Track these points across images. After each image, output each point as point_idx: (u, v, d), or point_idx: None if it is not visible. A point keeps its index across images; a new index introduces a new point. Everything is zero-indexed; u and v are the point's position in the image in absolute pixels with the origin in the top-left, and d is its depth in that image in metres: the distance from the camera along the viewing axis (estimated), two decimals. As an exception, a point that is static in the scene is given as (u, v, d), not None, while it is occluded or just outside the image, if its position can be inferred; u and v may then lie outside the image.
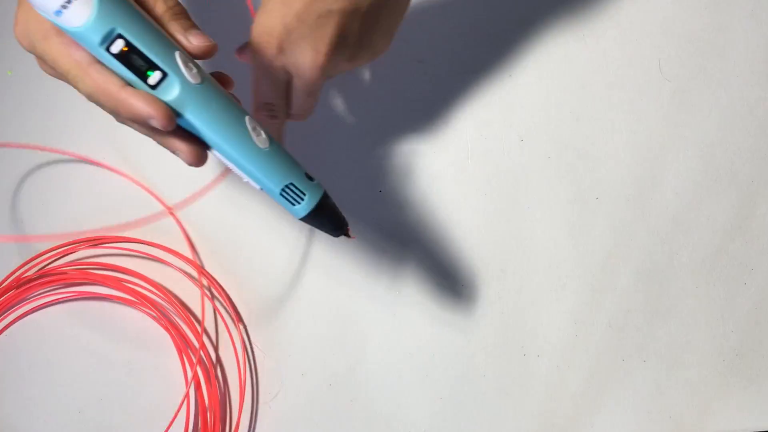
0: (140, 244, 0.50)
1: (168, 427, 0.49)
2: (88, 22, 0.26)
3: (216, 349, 0.50)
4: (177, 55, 0.29)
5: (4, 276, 0.51)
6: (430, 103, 0.48)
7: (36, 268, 0.50)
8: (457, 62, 0.48)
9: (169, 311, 0.49)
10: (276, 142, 0.34)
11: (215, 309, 0.49)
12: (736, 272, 0.47)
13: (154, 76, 0.28)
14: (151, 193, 0.51)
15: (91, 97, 0.31)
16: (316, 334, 0.48)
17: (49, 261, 0.50)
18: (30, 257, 0.50)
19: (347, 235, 0.38)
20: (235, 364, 0.49)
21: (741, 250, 0.47)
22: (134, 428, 0.49)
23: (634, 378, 0.47)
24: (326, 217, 0.36)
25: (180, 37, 0.30)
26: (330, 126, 0.49)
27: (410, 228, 0.48)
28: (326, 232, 0.38)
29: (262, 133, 0.33)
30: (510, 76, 0.48)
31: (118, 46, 0.27)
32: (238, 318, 0.49)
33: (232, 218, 0.50)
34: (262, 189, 0.34)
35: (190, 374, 0.48)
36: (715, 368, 0.47)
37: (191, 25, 0.31)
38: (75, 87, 0.31)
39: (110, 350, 0.50)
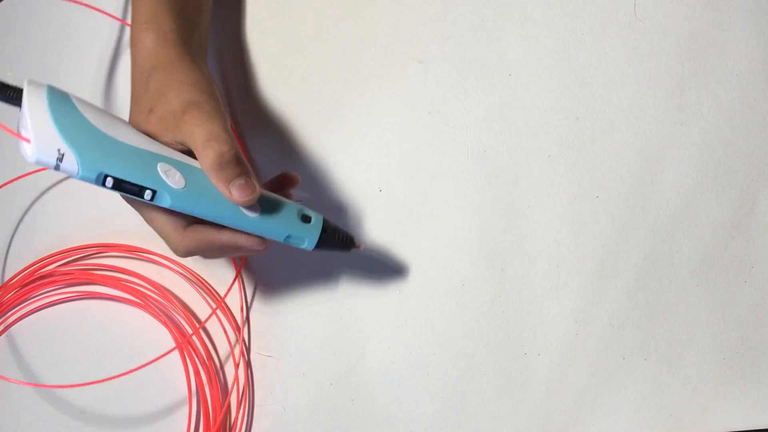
0: (142, 252, 0.50)
1: (169, 426, 0.49)
2: (79, 174, 0.31)
3: (216, 348, 0.50)
4: (159, 168, 0.34)
5: (9, 276, 0.51)
6: (430, 103, 0.48)
7: (41, 270, 0.50)
8: (458, 62, 0.48)
9: (170, 311, 0.50)
10: (267, 202, 0.38)
11: (215, 309, 0.49)
12: (736, 270, 0.47)
13: (147, 195, 0.34)
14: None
15: (193, 253, 0.38)
16: (317, 334, 0.48)
17: (55, 263, 0.51)
18: (34, 260, 0.50)
19: (356, 247, 0.43)
20: (235, 364, 0.49)
21: (741, 248, 0.47)
22: (135, 427, 0.49)
23: (634, 376, 0.47)
24: (331, 244, 0.41)
25: (224, 189, 0.36)
26: (328, 126, 0.49)
27: (410, 228, 0.48)
28: (337, 252, 0.42)
29: None
30: (510, 76, 0.48)
31: (110, 182, 0.33)
32: (239, 318, 0.49)
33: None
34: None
35: (192, 374, 0.48)
36: (715, 366, 0.47)
37: (236, 175, 0.36)
38: (171, 247, 0.38)
39: (112, 350, 0.50)
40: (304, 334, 0.49)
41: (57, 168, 0.31)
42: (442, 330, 0.48)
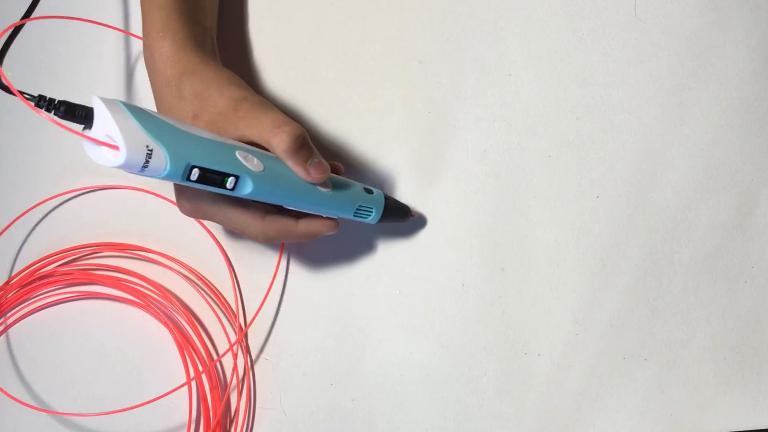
0: (142, 251, 0.50)
1: (169, 426, 0.49)
2: (167, 169, 0.31)
3: (216, 348, 0.50)
4: (237, 154, 0.35)
5: (9, 276, 0.51)
6: (430, 103, 0.48)
7: (41, 271, 0.50)
8: (458, 62, 0.48)
9: (170, 311, 0.50)
10: (332, 180, 0.40)
11: (215, 309, 0.49)
12: (736, 270, 0.47)
13: (230, 182, 0.34)
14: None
15: (273, 240, 0.39)
16: (317, 334, 0.48)
17: (55, 263, 0.51)
18: (34, 260, 0.51)
19: (411, 216, 0.47)
20: (235, 364, 0.49)
21: (741, 249, 0.47)
22: (135, 427, 0.49)
23: (634, 376, 0.47)
24: (392, 215, 0.45)
25: (301, 170, 0.37)
26: (328, 126, 0.49)
27: (410, 228, 0.48)
28: (395, 222, 0.46)
29: None
30: (510, 76, 0.48)
31: (195, 174, 0.33)
32: (239, 318, 0.49)
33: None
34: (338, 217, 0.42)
35: (191, 373, 0.48)
36: (715, 366, 0.47)
37: (310, 155, 0.37)
38: (251, 236, 0.39)
39: (112, 350, 0.50)
40: (304, 334, 0.49)
41: (145, 166, 0.30)
42: (442, 330, 0.48)
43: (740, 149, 0.47)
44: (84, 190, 0.51)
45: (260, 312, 0.49)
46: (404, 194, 0.48)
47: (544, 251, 0.47)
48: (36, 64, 0.53)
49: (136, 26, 0.50)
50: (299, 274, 0.49)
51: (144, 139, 0.30)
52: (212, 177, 0.33)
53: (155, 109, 0.40)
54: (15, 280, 0.50)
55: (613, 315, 0.47)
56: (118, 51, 0.51)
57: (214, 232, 0.50)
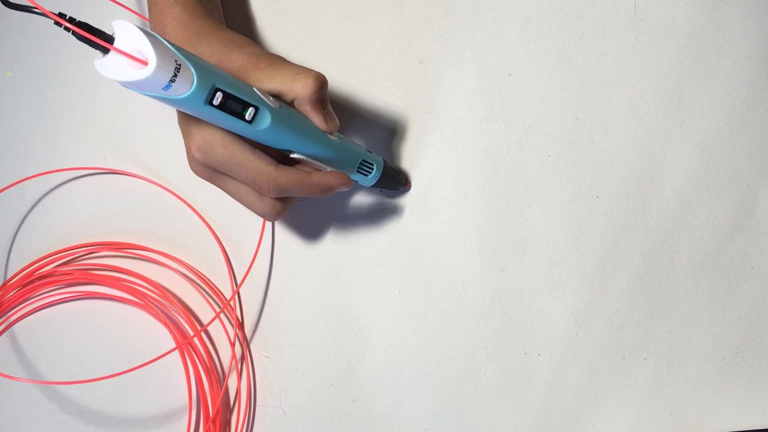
0: (141, 250, 0.50)
1: (170, 426, 0.49)
2: (193, 87, 0.30)
3: (216, 348, 0.50)
4: (255, 89, 0.35)
5: (9, 276, 0.51)
6: (430, 103, 0.48)
7: (41, 270, 0.50)
8: (458, 62, 0.48)
9: (170, 311, 0.50)
10: (338, 135, 0.40)
11: (215, 309, 0.49)
12: (736, 270, 0.47)
13: (249, 113, 0.33)
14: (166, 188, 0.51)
15: (285, 191, 0.37)
16: (316, 334, 0.48)
17: (54, 263, 0.51)
18: (34, 260, 0.51)
19: (405, 186, 0.48)
20: (236, 364, 0.49)
21: (741, 249, 0.47)
22: (135, 427, 0.49)
23: (634, 376, 0.47)
24: (388, 179, 0.45)
25: (319, 117, 0.37)
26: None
27: (410, 228, 0.48)
28: (390, 189, 0.47)
29: None
30: (510, 76, 0.48)
31: (218, 98, 0.32)
32: (239, 318, 0.49)
33: (232, 219, 0.50)
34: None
35: (191, 374, 0.48)
36: (715, 366, 0.47)
37: (327, 104, 0.38)
38: (262, 187, 0.37)
39: (112, 350, 0.50)
40: (304, 334, 0.49)
41: (172, 81, 0.29)
42: (442, 330, 0.48)
43: (740, 149, 0.47)
44: (83, 170, 0.51)
45: (261, 311, 0.49)
46: (404, 194, 0.48)
47: (544, 251, 0.47)
48: (38, 57, 0.53)
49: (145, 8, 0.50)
50: (299, 274, 0.49)
51: (173, 55, 0.30)
52: (233, 105, 0.33)
53: None
54: (14, 279, 0.50)
55: (613, 315, 0.47)
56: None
57: (215, 233, 0.50)
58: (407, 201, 0.48)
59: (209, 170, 0.37)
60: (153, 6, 0.41)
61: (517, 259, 0.47)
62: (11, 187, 0.51)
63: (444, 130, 0.48)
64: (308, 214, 0.49)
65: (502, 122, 0.48)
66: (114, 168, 0.51)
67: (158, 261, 0.50)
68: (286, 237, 0.49)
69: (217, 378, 0.49)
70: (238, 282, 0.49)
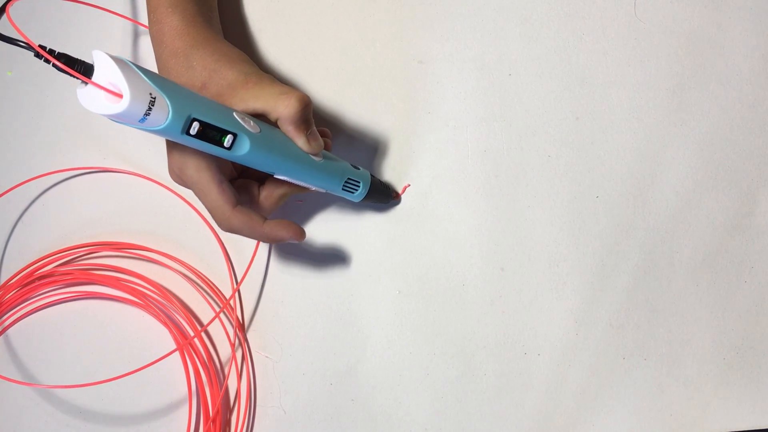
0: (141, 250, 0.50)
1: (170, 426, 0.49)
2: (168, 119, 0.31)
3: (216, 348, 0.50)
4: (235, 115, 0.35)
5: (9, 276, 0.51)
6: (430, 103, 0.48)
7: (41, 270, 0.50)
8: (458, 62, 0.48)
9: (170, 311, 0.50)
10: (323, 151, 0.40)
11: (215, 308, 0.49)
12: (736, 270, 0.47)
13: (227, 140, 0.34)
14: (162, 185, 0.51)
15: (235, 232, 0.38)
16: (316, 334, 0.48)
17: (55, 263, 0.51)
18: (34, 260, 0.51)
19: (394, 198, 0.48)
20: (236, 364, 0.49)
21: (741, 248, 0.47)
22: (135, 427, 0.49)
23: (634, 376, 0.47)
24: (377, 193, 0.45)
25: (301, 138, 0.38)
26: (329, 126, 0.49)
27: (410, 228, 0.48)
28: (380, 203, 0.47)
29: None
30: (510, 76, 0.48)
31: (194, 128, 0.32)
32: (239, 318, 0.49)
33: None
34: (326, 191, 0.42)
35: (192, 374, 0.48)
36: (715, 366, 0.47)
37: (310, 125, 0.38)
38: (215, 220, 0.38)
39: (112, 350, 0.50)
40: (304, 334, 0.49)
41: (147, 114, 0.30)
42: (442, 330, 0.48)
43: (740, 149, 0.47)
44: (83, 170, 0.51)
45: (261, 311, 0.49)
46: (403, 194, 0.48)
47: (544, 251, 0.47)
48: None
49: (142, 15, 0.50)
50: (299, 274, 0.49)
51: (147, 87, 0.30)
52: (211, 133, 0.33)
53: None
54: (14, 279, 0.50)
55: (613, 315, 0.47)
56: (124, 38, 0.51)
57: (216, 233, 0.50)
58: (407, 201, 0.48)
59: (183, 183, 0.38)
60: (152, 13, 0.41)
61: (517, 259, 0.47)
62: (11, 190, 0.51)
63: (444, 130, 0.48)
64: (308, 214, 0.49)
65: (502, 122, 0.48)
66: (114, 167, 0.51)
67: (158, 261, 0.50)
68: (286, 237, 0.49)
69: (217, 378, 0.49)
70: (238, 282, 0.49)
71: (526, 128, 0.48)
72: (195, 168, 0.37)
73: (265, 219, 0.39)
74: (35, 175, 0.51)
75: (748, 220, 0.47)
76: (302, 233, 0.41)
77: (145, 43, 0.51)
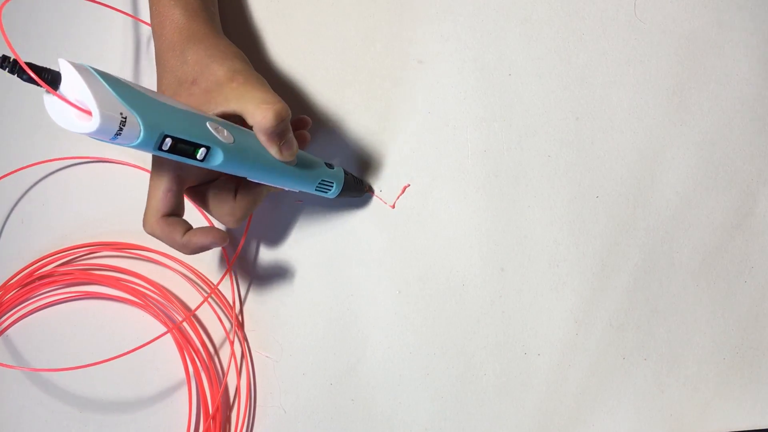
0: (141, 250, 0.50)
1: (169, 427, 0.49)
2: (140, 137, 0.31)
3: (216, 348, 0.50)
4: (209, 125, 0.35)
5: (9, 276, 0.51)
6: (430, 103, 0.48)
7: (41, 270, 0.50)
8: (458, 62, 0.48)
9: (171, 311, 0.50)
10: (298, 155, 0.40)
11: (215, 308, 0.49)
12: (736, 270, 0.47)
13: (200, 153, 0.34)
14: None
15: (155, 237, 0.39)
16: (317, 334, 0.48)
17: (54, 263, 0.51)
18: (34, 259, 0.51)
19: (369, 192, 0.48)
20: (235, 361, 0.49)
21: (741, 248, 0.47)
22: (135, 427, 0.49)
23: (634, 376, 0.47)
24: (351, 190, 0.46)
25: (275, 148, 0.38)
26: (329, 126, 0.49)
27: (410, 227, 0.48)
28: (354, 198, 0.48)
29: None
30: (510, 76, 0.48)
31: (167, 144, 0.32)
32: (239, 318, 0.49)
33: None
34: (299, 191, 0.43)
35: (192, 374, 0.48)
36: (715, 366, 0.47)
37: (285, 136, 0.38)
38: (143, 219, 0.39)
39: (112, 350, 0.50)
40: (304, 334, 0.49)
41: (118, 134, 0.29)
42: (442, 330, 0.48)
43: (740, 149, 0.47)
44: (80, 160, 0.51)
45: (261, 311, 0.49)
46: (403, 194, 0.48)
47: (544, 251, 0.47)
48: (39, 42, 0.52)
49: (143, 11, 0.50)
50: (299, 273, 0.49)
51: (117, 105, 0.29)
52: (183, 147, 0.33)
53: (156, 72, 0.41)
54: (14, 280, 0.50)
55: (613, 315, 0.47)
56: (126, 35, 0.51)
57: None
58: (407, 201, 0.48)
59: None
60: (154, 6, 0.41)
61: (517, 259, 0.47)
62: (8, 185, 0.51)
63: (444, 130, 0.48)
64: (308, 214, 0.49)
65: (502, 122, 0.48)
66: (113, 158, 0.51)
67: (158, 261, 0.50)
68: (286, 237, 0.49)
69: (217, 377, 0.49)
70: (238, 281, 0.49)
71: (526, 128, 0.48)
72: (156, 167, 0.38)
73: (187, 231, 0.39)
74: (31, 162, 0.51)
75: (748, 220, 0.47)
76: (224, 237, 0.40)
77: (146, 40, 0.51)
